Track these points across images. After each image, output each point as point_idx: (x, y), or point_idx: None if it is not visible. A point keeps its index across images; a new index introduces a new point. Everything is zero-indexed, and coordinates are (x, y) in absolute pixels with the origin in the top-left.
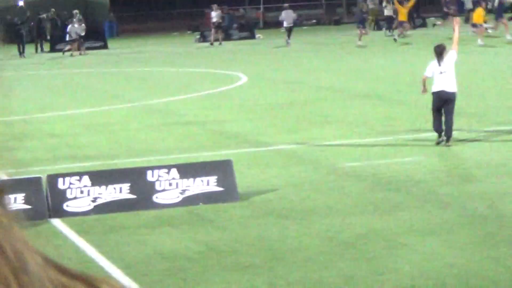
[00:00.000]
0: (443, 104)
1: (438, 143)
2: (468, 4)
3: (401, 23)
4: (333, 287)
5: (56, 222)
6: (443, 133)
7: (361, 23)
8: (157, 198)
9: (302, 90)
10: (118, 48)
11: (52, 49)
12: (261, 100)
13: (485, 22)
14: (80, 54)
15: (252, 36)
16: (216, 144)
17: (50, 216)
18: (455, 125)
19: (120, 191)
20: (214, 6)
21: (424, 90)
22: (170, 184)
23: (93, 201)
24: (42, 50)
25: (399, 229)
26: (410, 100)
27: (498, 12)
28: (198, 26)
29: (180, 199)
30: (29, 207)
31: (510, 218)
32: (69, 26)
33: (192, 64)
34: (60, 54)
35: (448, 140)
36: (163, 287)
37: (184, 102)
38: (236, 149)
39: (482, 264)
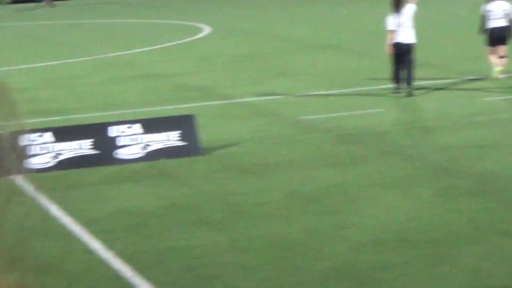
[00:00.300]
0: (401, 55)
1: (396, 92)
2: None
3: None
4: (295, 242)
5: (17, 178)
6: (401, 83)
7: None
8: (119, 153)
9: (265, 41)
10: None
11: (15, 1)
12: (223, 51)
13: None
14: (51, 5)
15: None
16: (179, 97)
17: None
18: (417, 76)
19: (82, 147)
20: None
21: (390, 49)
22: (132, 139)
23: (55, 157)
24: (5, 1)
25: (361, 182)
26: (373, 51)
27: None
28: None
29: (142, 154)
30: None
31: (471, 170)
32: None
33: (154, 15)
34: (24, 5)
35: (409, 91)
36: (126, 244)
37: (146, 55)
38: (199, 102)
39: (444, 217)
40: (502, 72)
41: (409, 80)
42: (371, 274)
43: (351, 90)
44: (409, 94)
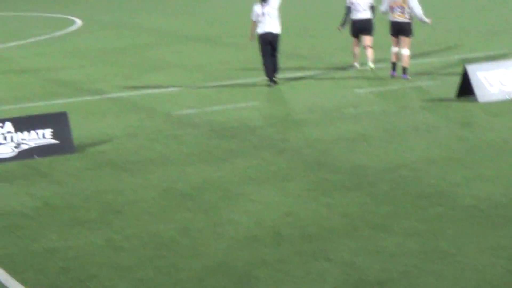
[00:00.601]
0: (270, 45)
1: (269, 85)
2: None
3: None
4: (171, 240)
5: None
6: (272, 74)
7: None
8: None
9: (138, 34)
10: None
11: None
12: (95, 45)
13: None
14: None
15: None
16: (51, 93)
17: None
18: (288, 68)
19: None
20: None
21: (252, 37)
22: (5, 138)
23: None
24: None
25: (236, 178)
26: (245, 43)
27: None
28: None
29: (15, 153)
30: None
31: (343, 164)
32: None
33: (23, 7)
34: None
35: (275, 79)
36: None
37: (16, 49)
38: (71, 98)
39: (317, 211)
40: (373, 61)
41: (275, 69)
42: (247, 272)
43: (224, 83)
44: (275, 82)
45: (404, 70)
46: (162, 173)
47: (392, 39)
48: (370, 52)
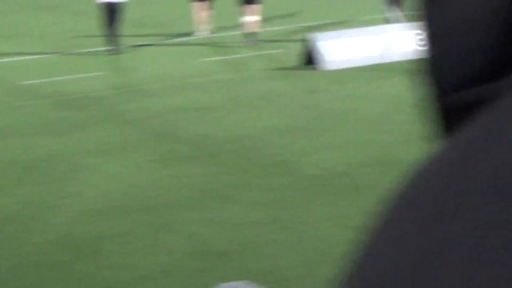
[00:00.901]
0: (112, 14)
1: (111, 54)
2: None
3: None
4: (14, 214)
5: None
6: (116, 43)
7: None
8: None
9: None
10: None
11: None
12: None
13: None
14: None
15: None
16: None
17: None
18: (133, 36)
19: None
20: None
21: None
22: None
23: None
24: None
25: (81, 150)
26: (90, 10)
27: None
28: None
29: None
30: None
31: (189, 134)
32: None
33: None
34: None
35: (116, 49)
36: None
37: None
38: None
39: (163, 183)
40: (209, 29)
41: (116, 37)
42: (92, 244)
43: (69, 52)
44: (117, 52)
45: (253, 35)
46: (5, 145)
47: (240, 8)
48: (209, 14)
